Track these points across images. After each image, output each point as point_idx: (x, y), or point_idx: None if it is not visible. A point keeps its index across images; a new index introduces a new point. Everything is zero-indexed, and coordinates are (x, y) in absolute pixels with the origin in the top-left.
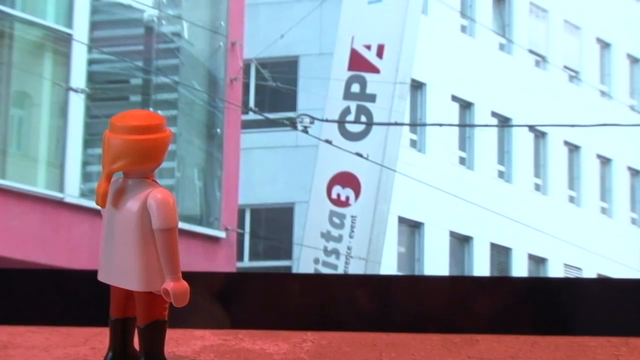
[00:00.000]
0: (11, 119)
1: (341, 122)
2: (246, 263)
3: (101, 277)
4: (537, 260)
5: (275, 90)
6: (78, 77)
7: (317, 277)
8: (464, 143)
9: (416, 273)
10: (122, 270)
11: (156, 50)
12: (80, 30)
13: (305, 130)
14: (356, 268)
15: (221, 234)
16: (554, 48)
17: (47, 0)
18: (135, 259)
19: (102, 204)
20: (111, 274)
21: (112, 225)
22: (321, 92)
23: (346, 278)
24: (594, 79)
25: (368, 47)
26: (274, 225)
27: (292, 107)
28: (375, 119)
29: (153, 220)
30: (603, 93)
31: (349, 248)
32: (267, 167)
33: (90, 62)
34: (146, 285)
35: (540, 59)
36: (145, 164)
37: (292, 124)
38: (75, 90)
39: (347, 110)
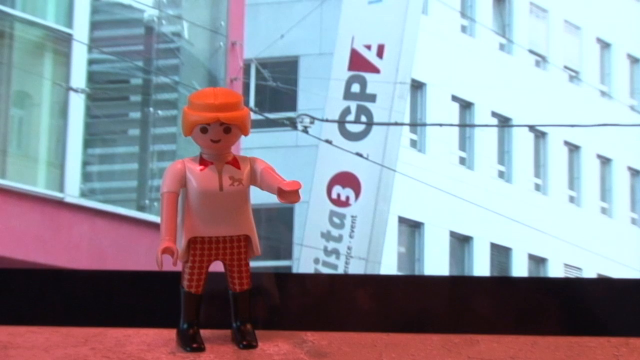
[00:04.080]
0: (11, 118)
1: (341, 122)
2: None
3: None
4: (537, 260)
5: (275, 90)
6: (78, 77)
7: (317, 277)
8: (464, 143)
9: (416, 273)
10: None
11: (156, 50)
12: (81, 30)
13: (305, 130)
14: (356, 268)
15: None
16: (554, 48)
17: (47, 0)
18: None
19: None
20: None
21: None
22: (321, 92)
23: (346, 278)
24: (594, 79)
25: (368, 47)
26: (274, 225)
27: (292, 107)
28: (376, 119)
29: None
30: (603, 93)
31: (349, 248)
32: None
33: (91, 62)
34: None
35: (541, 59)
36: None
37: (292, 124)
38: (76, 90)
39: (347, 110)
